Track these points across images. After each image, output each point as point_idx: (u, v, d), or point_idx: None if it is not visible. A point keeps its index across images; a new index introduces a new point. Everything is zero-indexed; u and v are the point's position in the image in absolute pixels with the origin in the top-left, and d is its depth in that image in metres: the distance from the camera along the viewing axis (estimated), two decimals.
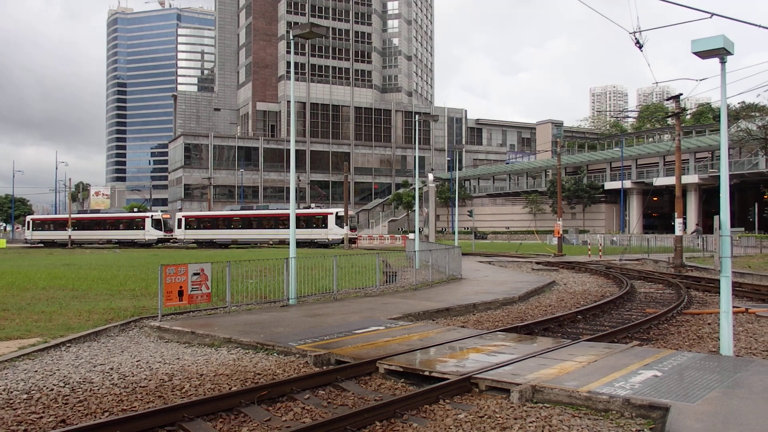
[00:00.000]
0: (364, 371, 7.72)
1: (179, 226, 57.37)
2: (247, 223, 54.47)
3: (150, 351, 9.41)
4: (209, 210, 70.19)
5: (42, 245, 60.87)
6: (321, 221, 50.85)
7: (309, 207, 57.65)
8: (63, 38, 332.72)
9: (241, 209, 58.21)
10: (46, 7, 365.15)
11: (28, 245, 62.30)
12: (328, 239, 49.37)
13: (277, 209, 55.27)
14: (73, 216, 64.47)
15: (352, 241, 51.15)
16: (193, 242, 56.53)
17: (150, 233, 56.67)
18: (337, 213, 50.95)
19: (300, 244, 48.44)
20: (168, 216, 60.41)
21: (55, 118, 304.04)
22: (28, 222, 66.18)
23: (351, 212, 56.65)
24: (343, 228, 49.54)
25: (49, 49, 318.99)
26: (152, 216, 58.20)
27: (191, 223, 57.36)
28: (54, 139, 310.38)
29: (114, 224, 60.12)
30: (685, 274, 23.39)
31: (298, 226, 50.55)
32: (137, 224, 57.94)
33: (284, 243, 50.75)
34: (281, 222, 51.75)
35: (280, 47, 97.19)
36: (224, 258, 15.46)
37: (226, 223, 55.91)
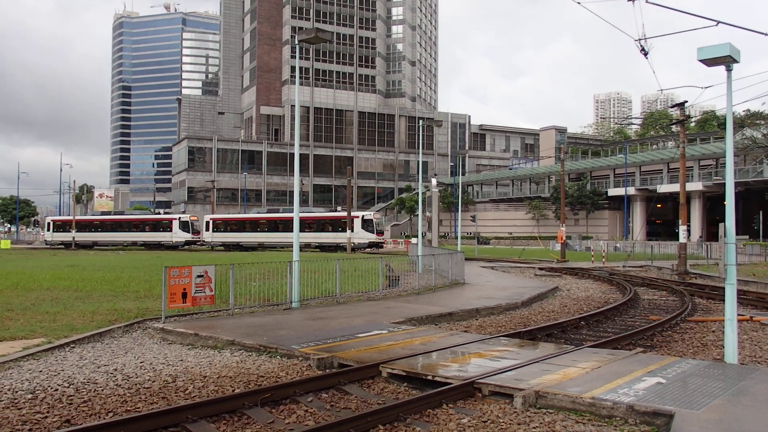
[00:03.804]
0: (367, 375, 7.72)
1: (207, 229, 56.77)
2: (273, 226, 53.51)
3: (153, 352, 9.43)
4: (212, 213, 70.12)
5: (62, 247, 60.24)
6: (347, 225, 49.50)
7: (336, 210, 56.84)
8: (56, 35, 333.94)
9: (267, 212, 57.41)
10: (38, 4, 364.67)
11: (48, 246, 61.56)
12: (353, 243, 48.09)
13: (303, 212, 54.09)
14: (97, 217, 63.72)
15: (379, 245, 49.51)
16: (220, 245, 55.83)
17: (177, 235, 55.94)
18: (363, 216, 49.67)
19: (325, 248, 48.02)
20: (195, 218, 59.40)
21: (51, 118, 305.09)
22: (48, 223, 65.23)
23: (377, 215, 54.93)
24: (368, 232, 48.30)
25: (42, 46, 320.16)
26: (180, 218, 57.48)
27: (218, 225, 56.68)
28: (51, 139, 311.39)
29: (140, 226, 59.45)
30: (689, 281, 23.33)
31: (324, 230, 49.89)
32: (164, 226, 57.18)
33: (310, 246, 49.62)
34: (307, 225, 50.65)
35: (285, 52, 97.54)
36: (233, 261, 15.49)
37: (253, 225, 55.18)
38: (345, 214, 51.61)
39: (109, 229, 60.57)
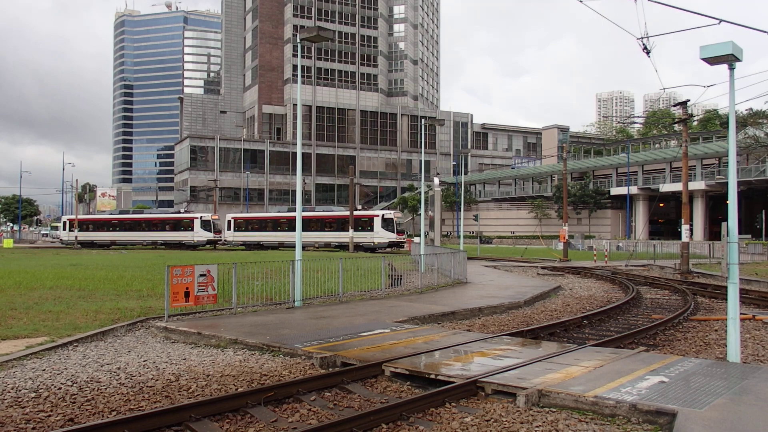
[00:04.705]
0: (370, 374, 7.73)
1: (228, 228, 56.16)
2: (294, 225, 52.79)
3: (157, 351, 9.45)
4: (215, 212, 70.05)
5: (79, 246, 59.29)
6: (367, 224, 48.33)
7: (355, 209, 56.08)
8: (56, 34, 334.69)
9: (288, 210, 56.43)
10: (35, 3, 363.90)
11: (64, 246, 60.62)
12: (373, 243, 46.58)
13: (323, 211, 53.00)
14: (115, 216, 62.59)
15: (400, 245, 47.99)
16: (241, 244, 55.11)
17: (199, 234, 54.87)
18: (383, 215, 48.17)
19: (346, 247, 46.58)
20: (216, 217, 58.40)
21: (53, 117, 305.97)
22: (65, 222, 64.21)
23: (399, 214, 52.94)
24: (389, 231, 46.92)
25: (43, 45, 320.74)
26: (201, 217, 56.31)
27: (240, 224, 56.07)
28: (52, 138, 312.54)
29: (160, 225, 58.23)
30: (692, 280, 23.30)
31: (344, 229, 48.58)
32: (185, 225, 56.17)
33: (330, 246, 48.89)
34: (327, 224, 49.86)
35: (286, 50, 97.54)
36: (235, 260, 15.53)
37: (274, 224, 54.33)
38: (366, 213, 50.36)
39: (128, 228, 59.48)
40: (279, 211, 57.77)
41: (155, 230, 58.34)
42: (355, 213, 51.04)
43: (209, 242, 55.50)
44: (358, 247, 46.83)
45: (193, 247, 54.44)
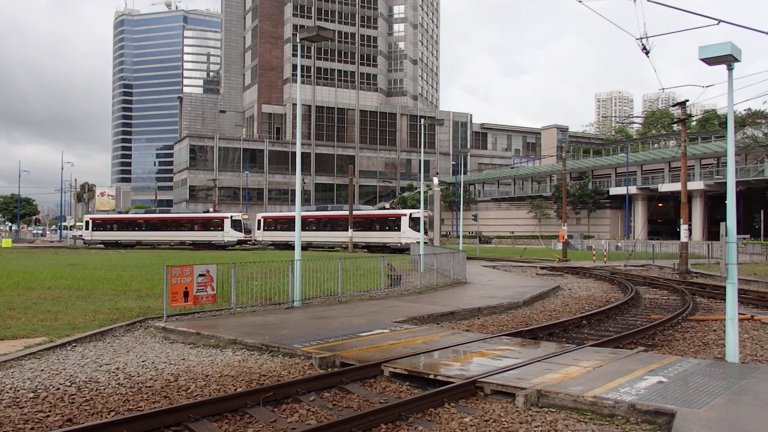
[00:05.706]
0: (369, 374, 7.73)
1: (258, 228, 55.77)
2: (322, 224, 51.18)
3: (155, 351, 9.44)
4: (214, 210, 69.80)
5: (102, 246, 58.51)
6: (394, 223, 47.04)
7: (383, 207, 54.59)
8: (56, 32, 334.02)
9: (316, 209, 55.41)
10: (31, 2, 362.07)
11: (86, 246, 59.64)
12: (401, 243, 44.82)
13: (347, 211, 51.61)
14: (141, 216, 61.77)
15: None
16: (271, 244, 54.45)
17: (229, 234, 53.86)
18: (411, 214, 46.22)
19: (373, 248, 45.88)
20: (246, 217, 57.52)
21: (52, 116, 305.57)
22: (87, 221, 62.91)
23: (427, 213, 49.74)
24: (417, 231, 44.65)
25: (43, 43, 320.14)
26: (232, 216, 55.26)
27: (269, 224, 55.59)
28: (51, 137, 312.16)
29: (188, 225, 57.28)
30: (690, 280, 23.32)
31: (371, 229, 47.95)
32: (215, 225, 55.18)
33: (357, 246, 47.83)
34: (357, 224, 48.61)
35: (286, 50, 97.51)
36: (234, 260, 15.51)
37: (302, 224, 53.24)
38: (393, 212, 49.14)
39: (154, 228, 58.32)
40: (308, 210, 56.59)
41: (183, 230, 57.17)
42: (382, 212, 50.23)
43: (239, 242, 54.50)
44: (386, 247, 45.64)
45: (223, 247, 53.45)
